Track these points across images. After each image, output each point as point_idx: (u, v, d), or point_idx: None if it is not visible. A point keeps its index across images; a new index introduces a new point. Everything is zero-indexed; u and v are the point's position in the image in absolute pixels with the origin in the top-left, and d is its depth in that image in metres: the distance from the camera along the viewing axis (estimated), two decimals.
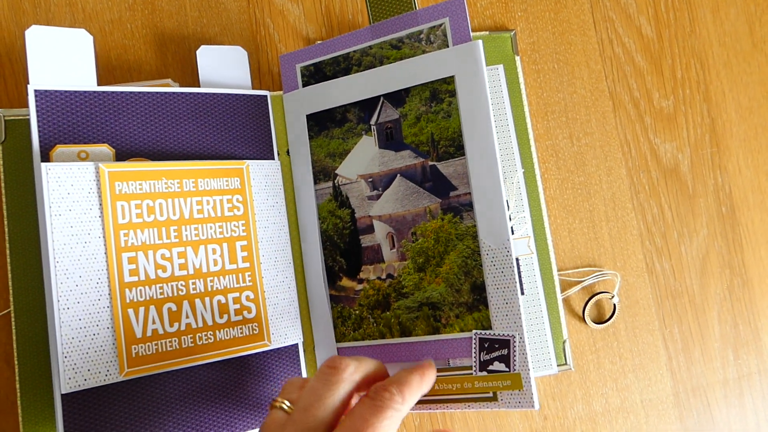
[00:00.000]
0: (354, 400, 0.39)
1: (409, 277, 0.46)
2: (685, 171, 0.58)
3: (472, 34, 0.52)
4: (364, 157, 0.48)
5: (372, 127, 0.47)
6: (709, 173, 0.59)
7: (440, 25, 0.45)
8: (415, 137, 0.46)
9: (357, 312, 0.47)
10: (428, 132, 0.46)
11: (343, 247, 0.48)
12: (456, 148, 0.44)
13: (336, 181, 0.48)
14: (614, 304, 0.54)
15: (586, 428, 0.53)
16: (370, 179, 0.47)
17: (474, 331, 0.42)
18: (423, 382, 0.39)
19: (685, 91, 0.59)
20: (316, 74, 0.49)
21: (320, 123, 0.49)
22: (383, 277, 0.47)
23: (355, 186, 0.48)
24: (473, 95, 0.43)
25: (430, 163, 0.46)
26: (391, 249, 0.47)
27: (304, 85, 0.49)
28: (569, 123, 0.56)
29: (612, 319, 0.54)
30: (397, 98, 0.46)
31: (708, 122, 0.59)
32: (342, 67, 0.48)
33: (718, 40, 0.61)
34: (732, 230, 0.58)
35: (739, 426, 0.56)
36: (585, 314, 0.54)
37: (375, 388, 0.35)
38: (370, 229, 0.47)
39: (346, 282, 0.48)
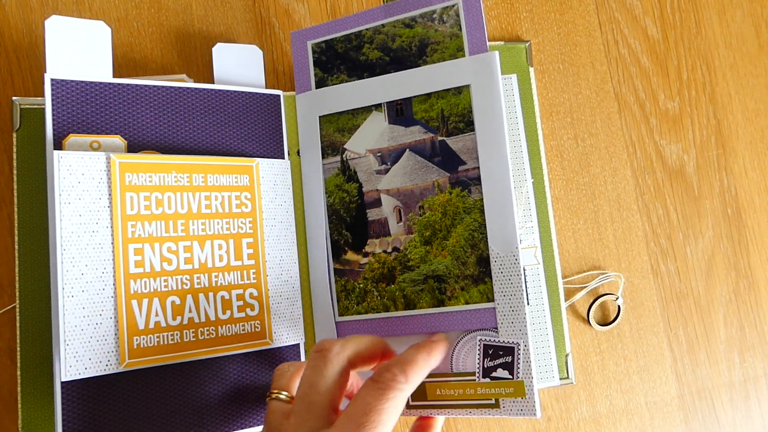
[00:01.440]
0: (356, 380, 0.39)
1: (416, 251, 0.45)
2: (690, 172, 0.58)
3: (488, 44, 0.52)
4: (374, 132, 0.48)
5: (382, 103, 0.47)
6: (714, 175, 0.58)
7: (453, 6, 0.46)
8: (425, 113, 0.46)
9: (361, 285, 0.47)
10: (438, 108, 0.46)
11: (349, 220, 0.48)
12: (465, 123, 0.45)
13: (344, 156, 0.48)
14: (618, 306, 0.54)
15: (590, 430, 0.53)
16: (379, 154, 0.47)
17: (479, 336, 0.42)
18: (430, 359, 0.38)
19: (690, 93, 0.59)
20: (327, 51, 0.49)
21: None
22: (389, 250, 0.47)
23: (363, 160, 0.48)
24: (488, 105, 0.44)
25: (440, 138, 0.46)
26: (398, 222, 0.46)
27: (315, 62, 0.49)
28: (574, 124, 0.56)
29: (616, 321, 0.54)
30: None
31: (714, 124, 0.59)
32: (354, 44, 0.48)
33: (725, 42, 0.61)
34: (738, 232, 0.58)
35: (745, 429, 0.56)
36: (590, 316, 0.54)
37: (378, 370, 0.35)
38: (377, 203, 0.47)
39: (351, 255, 0.48)
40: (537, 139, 0.53)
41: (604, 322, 0.54)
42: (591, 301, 0.54)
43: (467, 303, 0.43)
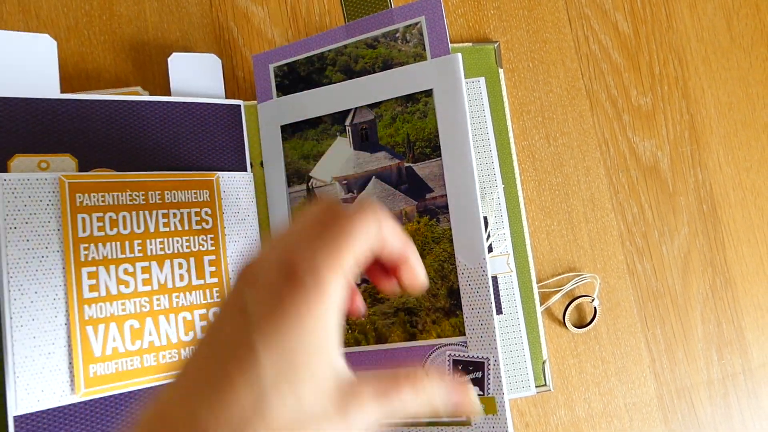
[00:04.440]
0: None
1: None
2: (664, 169, 0.57)
3: (454, 45, 0.51)
4: (339, 158, 0.46)
5: (347, 128, 0.46)
6: (689, 171, 0.58)
7: (416, 24, 0.44)
8: (390, 138, 0.45)
9: None
10: (404, 133, 0.44)
11: None
12: (432, 148, 0.43)
13: (310, 184, 0.47)
14: (595, 308, 0.53)
15: None
16: (345, 181, 0.46)
17: (448, 351, 0.41)
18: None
19: (663, 88, 0.58)
20: (290, 74, 0.48)
21: (294, 124, 0.48)
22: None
23: (329, 188, 0.47)
24: (451, 109, 0.42)
25: (406, 164, 0.44)
26: None
27: (277, 86, 0.48)
28: (545, 123, 0.55)
29: (593, 323, 0.53)
30: None
31: (687, 119, 0.58)
32: (316, 66, 0.47)
33: (696, 36, 0.60)
34: (713, 228, 0.58)
35: (725, 426, 0.55)
36: (565, 319, 0.53)
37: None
38: None
39: None
40: (508, 144, 0.51)
41: (581, 325, 0.54)
42: (567, 303, 0.53)
43: (439, 337, 0.42)
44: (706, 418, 0.55)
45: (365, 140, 0.46)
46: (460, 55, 0.42)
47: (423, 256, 0.43)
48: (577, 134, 0.56)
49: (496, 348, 0.39)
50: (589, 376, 0.53)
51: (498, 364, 0.39)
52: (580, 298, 0.53)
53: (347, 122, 0.46)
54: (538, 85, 0.55)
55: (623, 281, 0.55)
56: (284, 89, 0.48)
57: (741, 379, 0.56)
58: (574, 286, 0.53)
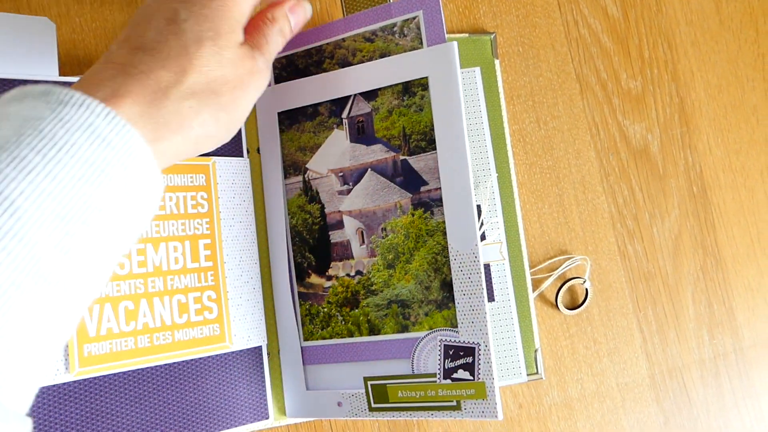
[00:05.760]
0: None
1: (379, 274, 0.45)
2: (655, 152, 0.58)
3: (450, 36, 0.51)
4: (335, 150, 0.47)
5: (343, 120, 0.46)
6: (679, 153, 0.58)
7: (414, 18, 0.44)
8: (386, 131, 0.45)
9: (325, 309, 0.46)
10: (400, 126, 0.45)
11: (312, 243, 0.47)
12: (428, 142, 0.44)
13: (306, 176, 0.47)
14: (586, 289, 0.54)
15: (562, 414, 0.53)
16: (341, 174, 0.47)
17: (439, 336, 0.42)
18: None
19: (653, 71, 0.59)
20: (288, 66, 0.48)
21: (291, 116, 0.48)
22: (352, 273, 0.46)
23: (325, 180, 0.47)
24: (446, 97, 0.42)
25: (402, 157, 0.45)
26: (360, 245, 0.46)
27: (276, 78, 0.48)
28: (536, 107, 0.56)
29: (585, 305, 0.54)
30: (369, 91, 0.46)
31: (677, 102, 0.59)
32: (314, 59, 0.47)
33: (685, 19, 0.60)
34: (704, 210, 0.58)
35: (717, 406, 0.56)
36: (558, 302, 0.53)
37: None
38: (339, 224, 0.46)
39: (314, 279, 0.47)
40: (503, 133, 0.52)
41: (573, 306, 0.54)
42: (559, 286, 0.53)
43: (431, 329, 0.42)
44: (697, 398, 0.56)
45: (361, 133, 0.46)
46: (455, 43, 0.42)
47: (417, 249, 0.44)
48: (568, 118, 0.56)
49: (486, 334, 0.40)
50: (581, 357, 0.54)
51: (488, 350, 0.40)
52: (572, 280, 0.54)
53: (344, 114, 0.46)
54: (528, 69, 0.56)
55: (614, 263, 0.56)
56: (282, 81, 0.48)
57: (732, 358, 0.57)
58: (566, 268, 0.54)
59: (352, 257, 0.46)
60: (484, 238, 0.49)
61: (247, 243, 0.47)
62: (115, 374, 0.40)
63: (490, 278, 0.50)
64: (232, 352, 0.45)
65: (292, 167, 0.48)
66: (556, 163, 0.55)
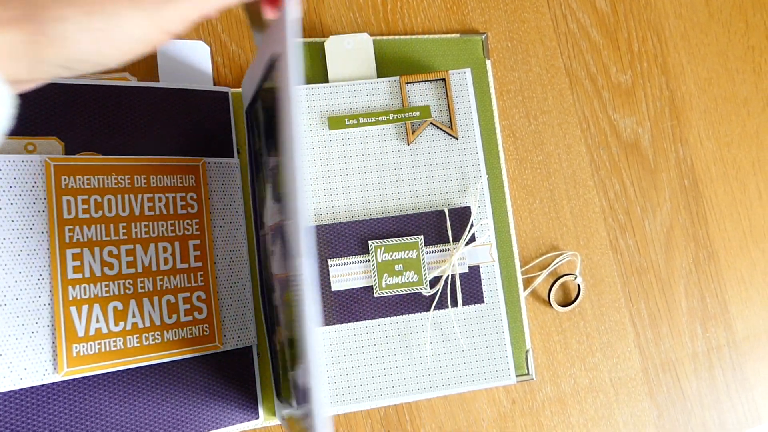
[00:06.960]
0: None
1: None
2: (645, 145, 0.58)
3: (442, 37, 0.52)
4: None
5: None
6: (670, 146, 0.58)
7: None
8: None
9: None
10: None
11: None
12: None
13: None
14: (578, 285, 0.54)
15: (555, 409, 0.53)
16: None
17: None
18: None
19: (642, 65, 0.58)
20: None
21: None
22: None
23: None
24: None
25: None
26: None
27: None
28: (525, 102, 0.56)
29: (577, 301, 0.54)
30: None
31: (667, 95, 0.59)
32: None
33: (674, 12, 0.60)
34: (695, 203, 0.58)
35: (710, 399, 0.56)
36: (550, 299, 0.53)
37: None
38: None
39: None
40: (495, 134, 0.52)
41: (566, 303, 0.54)
42: (551, 283, 0.53)
43: None
44: (691, 391, 0.55)
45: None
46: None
47: None
48: (558, 112, 0.56)
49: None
50: (574, 352, 0.54)
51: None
52: (564, 277, 0.53)
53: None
54: (517, 64, 0.56)
55: (606, 257, 0.55)
56: None
57: (725, 351, 0.57)
58: (558, 265, 0.54)
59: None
60: (474, 240, 0.49)
61: (237, 243, 0.47)
62: (104, 374, 0.40)
63: (480, 280, 0.49)
64: (222, 353, 0.45)
65: None
66: (546, 158, 0.55)
